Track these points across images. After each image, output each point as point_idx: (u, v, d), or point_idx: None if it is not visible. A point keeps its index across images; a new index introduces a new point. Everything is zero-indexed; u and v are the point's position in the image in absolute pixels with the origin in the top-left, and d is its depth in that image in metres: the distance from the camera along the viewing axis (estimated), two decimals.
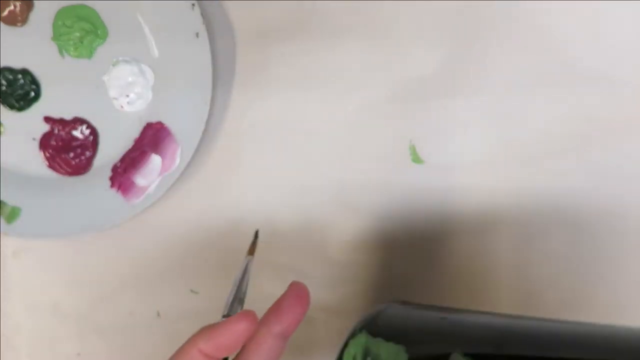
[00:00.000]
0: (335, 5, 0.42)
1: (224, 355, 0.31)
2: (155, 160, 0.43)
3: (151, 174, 0.43)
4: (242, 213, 0.45)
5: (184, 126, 0.42)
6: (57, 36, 0.43)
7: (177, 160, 0.42)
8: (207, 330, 0.31)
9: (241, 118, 0.44)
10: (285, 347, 0.32)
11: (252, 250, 0.39)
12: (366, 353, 0.29)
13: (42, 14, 0.42)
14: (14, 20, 0.42)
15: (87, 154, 0.44)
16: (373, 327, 0.31)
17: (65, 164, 0.44)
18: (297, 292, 0.33)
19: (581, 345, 0.27)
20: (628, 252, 0.43)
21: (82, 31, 0.43)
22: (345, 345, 0.32)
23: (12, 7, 0.42)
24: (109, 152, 0.44)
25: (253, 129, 0.44)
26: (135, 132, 0.44)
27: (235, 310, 0.34)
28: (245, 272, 0.37)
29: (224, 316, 0.34)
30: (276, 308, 0.33)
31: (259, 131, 0.44)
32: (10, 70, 0.43)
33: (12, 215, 0.44)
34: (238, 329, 0.30)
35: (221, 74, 0.44)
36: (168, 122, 0.43)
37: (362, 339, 0.30)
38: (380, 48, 0.43)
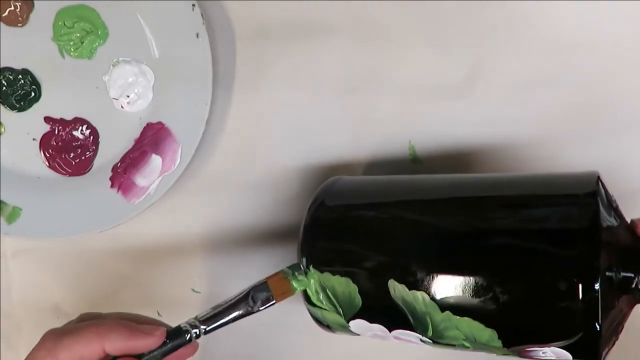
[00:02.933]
0: (335, 5, 0.42)
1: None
2: (155, 160, 0.43)
3: (151, 174, 0.43)
4: (243, 213, 0.45)
5: (184, 126, 0.43)
6: (57, 36, 0.43)
7: (177, 160, 0.43)
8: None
9: (241, 118, 0.44)
10: None
11: (284, 290, 0.35)
12: (323, 287, 0.35)
13: (43, 14, 0.42)
14: (14, 20, 0.42)
15: (88, 154, 0.44)
16: (329, 194, 0.38)
17: (66, 164, 0.44)
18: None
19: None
20: None
21: (82, 31, 0.43)
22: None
23: (12, 8, 0.42)
24: (109, 152, 0.44)
25: (253, 128, 0.44)
26: (135, 132, 0.44)
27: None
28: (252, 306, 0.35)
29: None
30: None
31: (260, 130, 0.44)
32: (11, 70, 0.43)
33: (13, 215, 0.44)
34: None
35: (221, 74, 0.44)
36: (168, 122, 0.43)
37: (315, 275, 0.35)
38: (381, 49, 0.43)
